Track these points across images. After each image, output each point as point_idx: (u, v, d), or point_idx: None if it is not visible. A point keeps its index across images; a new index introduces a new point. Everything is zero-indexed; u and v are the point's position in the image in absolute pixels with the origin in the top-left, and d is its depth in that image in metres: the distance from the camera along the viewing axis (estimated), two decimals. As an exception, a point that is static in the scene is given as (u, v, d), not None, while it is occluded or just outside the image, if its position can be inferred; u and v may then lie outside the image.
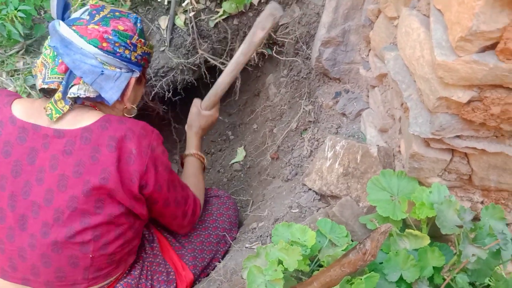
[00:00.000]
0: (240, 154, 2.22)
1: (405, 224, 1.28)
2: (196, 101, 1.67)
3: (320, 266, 1.22)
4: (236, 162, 2.20)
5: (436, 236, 1.18)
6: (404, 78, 1.17)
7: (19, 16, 1.71)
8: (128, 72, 1.20)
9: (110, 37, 1.14)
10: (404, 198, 1.24)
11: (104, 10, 1.21)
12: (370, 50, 1.55)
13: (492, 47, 0.88)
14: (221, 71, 1.71)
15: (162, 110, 2.24)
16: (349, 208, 1.41)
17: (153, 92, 2.05)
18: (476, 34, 0.85)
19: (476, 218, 1.18)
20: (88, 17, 1.17)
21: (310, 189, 1.59)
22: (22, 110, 1.15)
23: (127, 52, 1.18)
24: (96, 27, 1.14)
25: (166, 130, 2.43)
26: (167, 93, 2.09)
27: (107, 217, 1.14)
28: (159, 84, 2.05)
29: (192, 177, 1.56)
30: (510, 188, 1.19)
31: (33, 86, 1.82)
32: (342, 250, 1.21)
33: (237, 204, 1.80)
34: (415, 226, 1.23)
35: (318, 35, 1.70)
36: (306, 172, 1.63)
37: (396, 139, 1.40)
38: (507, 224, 1.21)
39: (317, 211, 1.52)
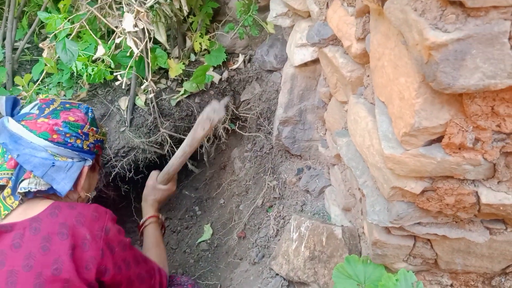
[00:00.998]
0: (207, 232, 2.13)
1: (375, 314, 1.20)
2: (153, 174, 1.62)
3: None
4: (203, 240, 2.10)
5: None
6: (358, 164, 1.15)
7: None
8: (80, 161, 1.18)
9: (61, 128, 1.13)
10: (371, 286, 1.18)
11: (54, 103, 1.20)
12: (326, 129, 1.54)
13: (438, 140, 0.86)
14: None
15: (123, 191, 2.16)
16: (317, 297, 1.33)
17: (114, 173, 1.99)
18: (420, 130, 0.83)
19: (446, 306, 1.12)
20: (37, 112, 1.16)
21: (277, 274, 1.51)
22: None
23: (78, 141, 1.17)
24: (46, 120, 1.13)
25: (126, 210, 2.34)
26: (128, 173, 2.04)
27: None
28: (119, 164, 2.00)
29: (153, 248, 1.48)
30: (477, 270, 1.15)
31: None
32: None
33: (203, 291, 1.69)
34: (385, 317, 1.16)
35: (276, 114, 1.70)
36: (273, 254, 1.56)
37: (359, 219, 1.36)
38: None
39: (285, 299, 1.44)
